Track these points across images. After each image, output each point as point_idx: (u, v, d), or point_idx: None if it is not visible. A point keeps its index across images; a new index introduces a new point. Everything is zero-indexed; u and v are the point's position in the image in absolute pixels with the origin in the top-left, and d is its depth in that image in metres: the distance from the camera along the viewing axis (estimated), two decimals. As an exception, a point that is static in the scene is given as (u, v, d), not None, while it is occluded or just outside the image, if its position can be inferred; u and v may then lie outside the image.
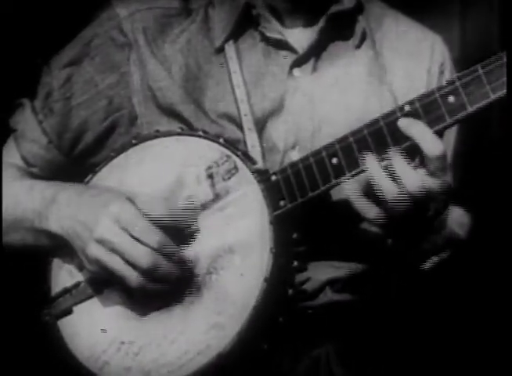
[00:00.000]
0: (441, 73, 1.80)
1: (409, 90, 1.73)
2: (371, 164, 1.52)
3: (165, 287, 1.57)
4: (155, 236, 1.57)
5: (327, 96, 1.72)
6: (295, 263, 1.57)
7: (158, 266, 1.56)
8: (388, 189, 1.50)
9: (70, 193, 1.67)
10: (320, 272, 1.69)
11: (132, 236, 1.56)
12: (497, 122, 2.31)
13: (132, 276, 1.56)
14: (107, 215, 1.58)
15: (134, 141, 1.69)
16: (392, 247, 1.64)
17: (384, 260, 1.71)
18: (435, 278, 1.69)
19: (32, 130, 1.79)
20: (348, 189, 1.53)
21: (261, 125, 1.70)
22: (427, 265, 1.65)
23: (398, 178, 1.49)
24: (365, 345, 1.74)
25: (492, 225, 2.22)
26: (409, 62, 1.78)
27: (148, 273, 1.55)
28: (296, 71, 1.72)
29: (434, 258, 1.65)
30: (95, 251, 1.58)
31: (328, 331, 1.71)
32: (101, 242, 1.57)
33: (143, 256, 1.55)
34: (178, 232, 1.60)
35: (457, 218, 1.77)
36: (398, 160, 1.50)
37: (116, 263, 1.57)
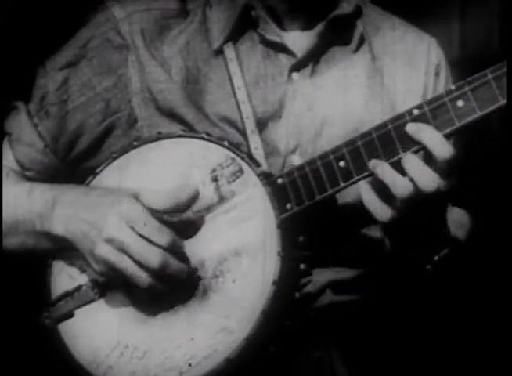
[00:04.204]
0: (437, 74, 1.82)
1: (407, 93, 1.75)
2: (377, 164, 1.51)
3: (175, 286, 1.56)
4: (164, 235, 1.55)
5: (327, 99, 1.73)
6: (302, 266, 1.57)
7: (167, 265, 1.54)
8: (400, 183, 1.49)
9: (73, 194, 1.65)
10: (321, 274, 1.69)
11: (141, 236, 1.55)
12: (498, 121, 2.33)
13: (142, 276, 1.54)
14: (116, 214, 1.56)
15: (135, 143, 1.68)
16: (396, 250, 1.64)
17: (387, 263, 1.72)
18: (437, 279, 1.70)
19: (28, 134, 1.77)
20: (363, 190, 1.52)
21: (261, 128, 1.69)
22: (430, 264, 1.65)
23: (412, 178, 1.49)
24: (367, 345, 1.74)
25: (492, 225, 2.23)
26: (405, 65, 1.79)
27: (157, 273, 1.54)
28: (295, 75, 1.72)
29: (436, 258, 1.65)
30: (104, 251, 1.56)
31: (330, 332, 1.71)
32: (110, 241, 1.55)
33: (153, 255, 1.54)
34: (184, 231, 1.59)
35: (457, 218, 1.79)
36: (411, 159, 1.50)
37: (125, 263, 1.55)
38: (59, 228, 1.64)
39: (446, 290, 1.76)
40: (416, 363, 1.84)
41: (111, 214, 1.57)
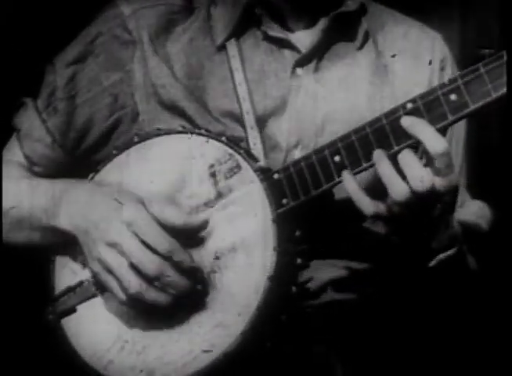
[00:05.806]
0: (442, 69, 1.81)
1: (411, 89, 1.74)
2: (380, 158, 1.51)
3: (167, 298, 1.55)
4: (166, 244, 1.55)
5: (330, 96, 1.73)
6: (298, 261, 1.58)
7: (164, 275, 1.53)
8: (397, 185, 1.49)
9: (80, 191, 1.66)
10: (322, 272, 1.70)
11: (143, 242, 1.55)
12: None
13: (132, 282, 1.54)
14: (120, 218, 1.56)
15: (136, 139, 1.69)
16: (398, 246, 1.64)
17: (387, 259, 1.72)
18: (438, 276, 1.69)
19: (36, 129, 1.79)
20: (349, 186, 1.52)
21: (262, 123, 1.70)
22: (433, 263, 1.65)
23: (405, 174, 1.48)
24: (365, 343, 1.74)
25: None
26: (410, 61, 1.79)
27: (152, 280, 1.54)
28: (299, 70, 1.73)
29: (441, 256, 1.65)
30: (104, 253, 1.56)
31: (329, 329, 1.71)
32: (111, 245, 1.56)
33: (151, 262, 1.53)
34: (189, 236, 1.60)
35: (477, 211, 1.78)
36: (406, 155, 1.50)
37: (120, 265, 1.55)
38: (64, 223, 1.65)
39: (447, 288, 1.75)
40: (414, 362, 1.83)
41: (115, 217, 1.57)
